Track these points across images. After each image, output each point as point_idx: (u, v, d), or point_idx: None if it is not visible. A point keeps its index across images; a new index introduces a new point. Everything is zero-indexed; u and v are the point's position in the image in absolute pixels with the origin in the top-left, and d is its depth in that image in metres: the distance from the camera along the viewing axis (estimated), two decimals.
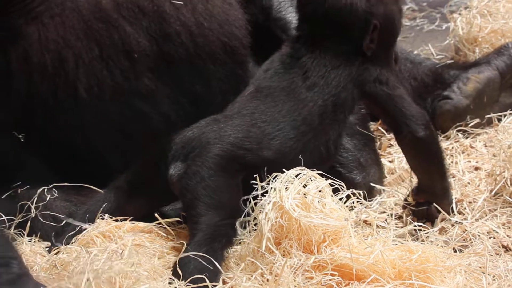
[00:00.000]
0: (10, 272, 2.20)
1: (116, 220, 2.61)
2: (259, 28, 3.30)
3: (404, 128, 2.73)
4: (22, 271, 2.25)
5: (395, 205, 2.98)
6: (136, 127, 2.95)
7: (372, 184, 3.03)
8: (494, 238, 2.74)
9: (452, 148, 3.37)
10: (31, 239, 2.70)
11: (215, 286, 2.37)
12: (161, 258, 2.52)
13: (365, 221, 2.86)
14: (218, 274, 2.41)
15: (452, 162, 3.25)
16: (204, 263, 2.36)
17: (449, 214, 2.83)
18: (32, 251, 2.63)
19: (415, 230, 2.76)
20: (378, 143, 3.43)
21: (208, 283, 2.32)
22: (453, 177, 3.10)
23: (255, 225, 2.48)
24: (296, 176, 2.48)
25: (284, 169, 2.50)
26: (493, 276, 2.51)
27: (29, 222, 2.72)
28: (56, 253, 2.54)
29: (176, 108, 2.98)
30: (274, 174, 2.49)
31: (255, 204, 2.47)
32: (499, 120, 3.47)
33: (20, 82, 2.84)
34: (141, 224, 2.64)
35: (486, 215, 2.86)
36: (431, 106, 3.56)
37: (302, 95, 2.69)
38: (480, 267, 2.52)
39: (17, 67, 2.83)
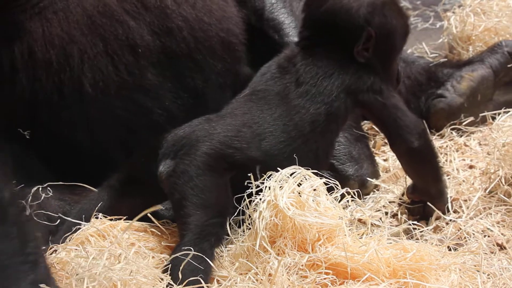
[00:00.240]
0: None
1: (111, 219, 2.61)
2: (252, 28, 3.31)
3: (398, 139, 2.72)
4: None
5: (390, 202, 2.98)
6: (140, 122, 2.97)
7: (365, 178, 3.04)
8: (488, 236, 2.74)
9: (447, 146, 3.37)
10: None
11: (209, 286, 2.37)
12: (155, 258, 2.52)
13: (359, 220, 2.86)
14: (210, 273, 2.41)
15: (446, 160, 3.25)
16: (195, 263, 2.37)
17: (444, 214, 2.83)
18: None
19: (409, 228, 2.75)
20: (372, 141, 3.43)
21: (203, 284, 2.32)
22: (448, 175, 3.10)
23: (249, 224, 2.48)
24: (291, 175, 2.48)
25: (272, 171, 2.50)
26: (488, 275, 2.51)
27: None
28: (52, 253, 2.53)
29: (177, 102, 2.99)
30: (268, 173, 2.49)
31: (250, 202, 2.47)
32: (493, 118, 3.47)
33: (25, 79, 2.84)
34: (135, 223, 2.64)
35: (481, 214, 2.86)
36: (425, 104, 3.56)
37: (295, 101, 2.69)
38: (475, 266, 2.52)
39: (22, 63, 2.83)
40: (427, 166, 2.78)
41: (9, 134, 2.85)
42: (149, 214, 2.63)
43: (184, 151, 2.57)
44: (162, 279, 2.35)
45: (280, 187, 2.45)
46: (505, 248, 2.69)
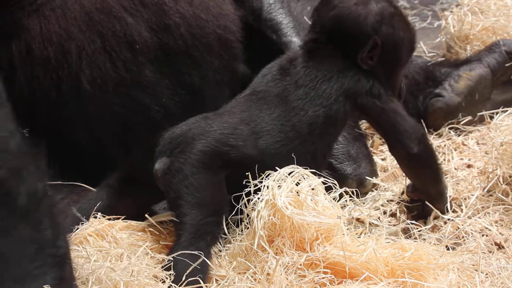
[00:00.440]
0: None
1: (109, 219, 2.61)
2: (250, 28, 3.31)
3: (397, 144, 2.71)
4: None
5: (388, 201, 2.98)
6: (137, 119, 2.97)
7: (363, 177, 3.03)
8: (487, 235, 2.74)
9: (445, 145, 3.37)
10: None
11: (207, 285, 2.37)
12: (154, 257, 2.52)
13: (357, 219, 2.86)
14: (207, 272, 2.41)
15: (444, 160, 3.24)
16: (192, 263, 2.36)
17: (443, 214, 2.82)
18: None
19: (407, 228, 2.75)
20: (370, 141, 3.43)
21: (202, 283, 2.32)
22: (446, 174, 3.09)
23: (247, 223, 2.48)
24: (289, 174, 2.48)
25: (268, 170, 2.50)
26: (486, 274, 2.51)
27: None
28: None
29: (175, 99, 2.99)
30: (267, 172, 2.49)
31: (248, 201, 2.47)
32: (491, 117, 3.46)
33: (23, 76, 2.83)
34: (134, 223, 2.63)
35: (479, 213, 2.86)
36: (422, 104, 3.56)
37: (294, 103, 2.68)
38: (473, 265, 2.52)
39: (20, 61, 2.83)
40: (426, 170, 2.78)
41: None
42: (146, 215, 2.63)
43: (179, 149, 2.57)
44: (164, 281, 2.35)
45: (278, 186, 2.44)
46: (503, 247, 2.69)
